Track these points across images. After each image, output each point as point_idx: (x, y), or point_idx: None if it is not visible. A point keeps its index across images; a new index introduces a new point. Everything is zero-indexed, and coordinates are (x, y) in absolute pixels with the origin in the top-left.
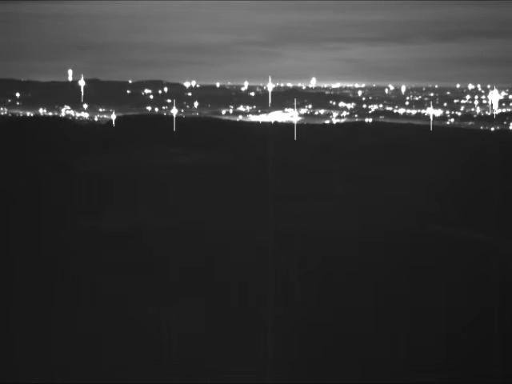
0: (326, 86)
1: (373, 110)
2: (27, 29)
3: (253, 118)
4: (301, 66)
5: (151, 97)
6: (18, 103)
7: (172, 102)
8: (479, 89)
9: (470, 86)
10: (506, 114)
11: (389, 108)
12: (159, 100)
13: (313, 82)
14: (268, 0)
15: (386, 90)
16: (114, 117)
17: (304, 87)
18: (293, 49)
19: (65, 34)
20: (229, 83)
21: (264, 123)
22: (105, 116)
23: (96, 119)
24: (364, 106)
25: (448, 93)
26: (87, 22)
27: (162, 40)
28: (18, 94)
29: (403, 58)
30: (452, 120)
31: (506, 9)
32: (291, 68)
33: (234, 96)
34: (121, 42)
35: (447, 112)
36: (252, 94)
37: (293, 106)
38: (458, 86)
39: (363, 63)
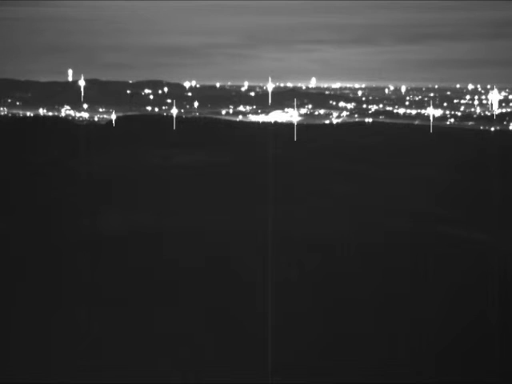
0: (326, 85)
1: (373, 109)
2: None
3: (253, 117)
4: (275, 66)
5: (151, 97)
6: (17, 103)
7: (172, 102)
8: (479, 89)
9: (470, 86)
10: (506, 114)
11: (389, 108)
12: (159, 100)
13: (313, 82)
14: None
15: (386, 90)
16: (113, 117)
17: (304, 87)
18: (266, 51)
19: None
20: (229, 83)
21: (264, 123)
22: (105, 116)
23: (96, 119)
24: (364, 105)
25: (448, 93)
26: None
27: (139, 41)
28: (17, 94)
29: (374, 59)
30: (452, 120)
31: (468, 12)
32: (266, 70)
33: (234, 96)
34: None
35: (447, 112)
36: (252, 93)
37: (292, 106)
38: (457, 86)
39: (335, 63)
